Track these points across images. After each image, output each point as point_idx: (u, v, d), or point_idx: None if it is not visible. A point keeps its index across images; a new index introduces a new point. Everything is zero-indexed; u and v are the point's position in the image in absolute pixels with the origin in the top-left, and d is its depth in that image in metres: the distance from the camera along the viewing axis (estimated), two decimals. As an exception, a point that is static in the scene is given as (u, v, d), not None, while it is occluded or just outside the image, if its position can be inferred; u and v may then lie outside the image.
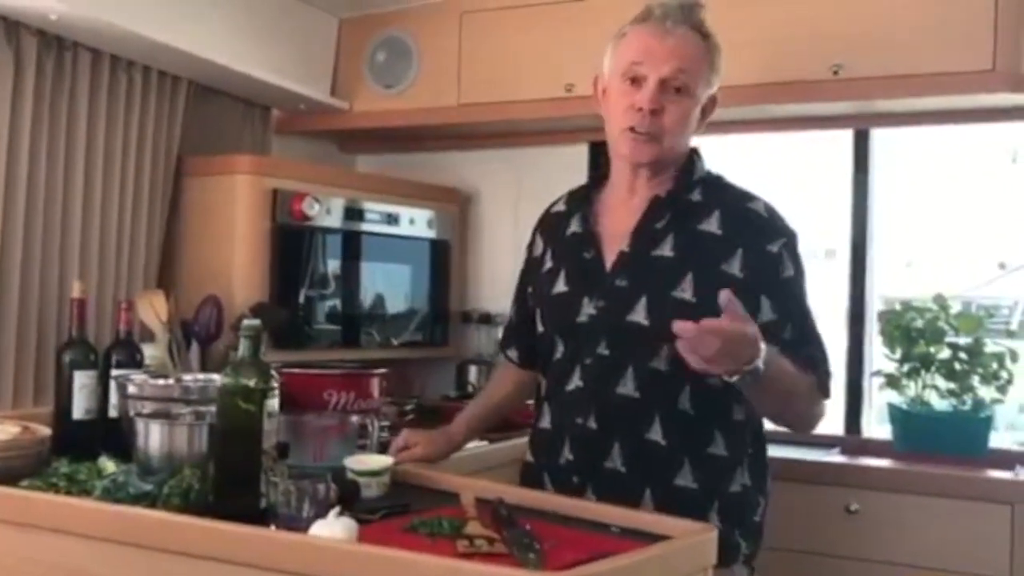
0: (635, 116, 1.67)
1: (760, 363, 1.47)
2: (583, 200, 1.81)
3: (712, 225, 1.68)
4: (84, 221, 2.43)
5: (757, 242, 1.66)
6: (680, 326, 1.42)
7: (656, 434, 1.64)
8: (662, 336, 1.52)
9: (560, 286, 1.76)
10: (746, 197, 1.73)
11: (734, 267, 1.64)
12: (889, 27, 2.39)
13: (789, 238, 1.69)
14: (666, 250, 1.67)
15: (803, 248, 1.73)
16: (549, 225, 1.87)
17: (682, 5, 1.70)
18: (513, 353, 1.98)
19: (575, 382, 1.72)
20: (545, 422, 1.79)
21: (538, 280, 1.84)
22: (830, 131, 2.85)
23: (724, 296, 1.44)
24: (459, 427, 1.98)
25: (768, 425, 1.76)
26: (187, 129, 2.71)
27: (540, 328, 1.81)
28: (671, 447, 1.65)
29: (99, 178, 2.46)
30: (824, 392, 1.67)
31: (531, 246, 1.91)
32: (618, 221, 1.74)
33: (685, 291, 1.63)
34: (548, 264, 1.82)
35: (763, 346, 1.48)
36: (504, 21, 2.84)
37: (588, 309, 1.71)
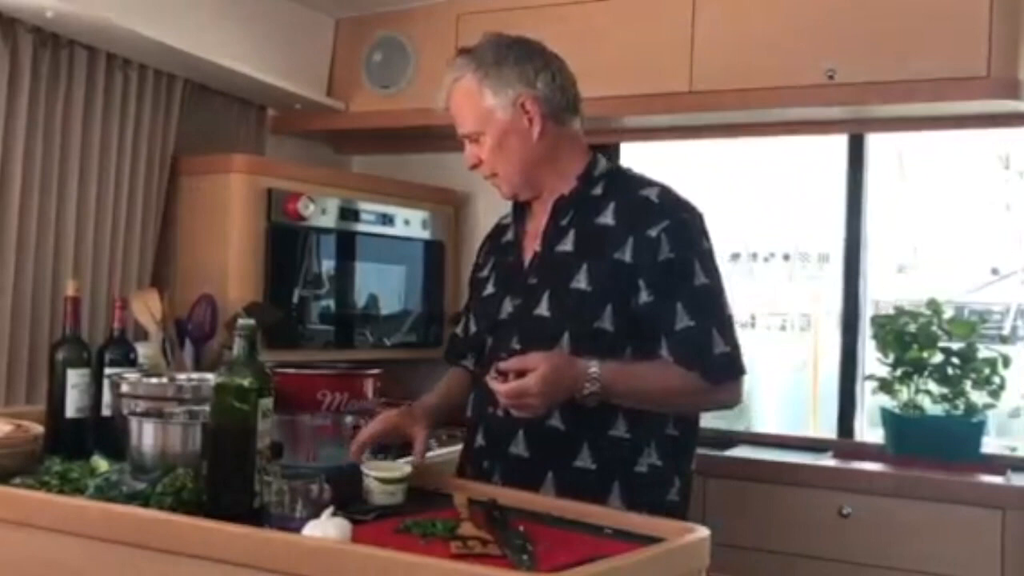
0: (474, 171, 1.85)
1: (595, 388, 1.60)
2: (520, 208, 1.90)
3: (608, 217, 1.75)
4: (79, 219, 2.43)
5: (641, 227, 1.70)
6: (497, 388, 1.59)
7: (556, 420, 1.70)
8: (562, 326, 1.70)
9: (489, 288, 1.90)
10: (641, 185, 1.78)
11: (625, 254, 1.70)
12: (884, 32, 2.40)
13: (674, 220, 1.71)
14: (568, 245, 1.76)
15: (713, 228, 1.75)
16: (493, 236, 1.99)
17: (453, 63, 1.83)
18: (469, 361, 2.00)
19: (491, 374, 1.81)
20: (468, 411, 1.89)
21: (476, 286, 1.96)
22: (825, 136, 2.86)
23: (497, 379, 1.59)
24: (427, 414, 1.93)
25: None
26: (182, 128, 2.71)
27: (473, 328, 1.93)
28: (569, 431, 1.71)
29: (94, 176, 2.46)
30: (716, 379, 1.69)
31: (477, 258, 2.03)
32: (537, 224, 1.84)
33: (580, 282, 1.72)
34: (485, 272, 1.95)
35: (593, 371, 1.60)
36: (500, 23, 2.80)
37: (507, 307, 1.82)
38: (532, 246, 1.82)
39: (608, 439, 1.71)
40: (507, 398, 1.59)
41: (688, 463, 1.80)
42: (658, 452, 1.73)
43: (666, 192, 1.76)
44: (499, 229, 1.98)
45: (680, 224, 1.71)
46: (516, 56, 1.79)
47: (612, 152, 3.09)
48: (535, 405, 1.59)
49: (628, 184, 1.78)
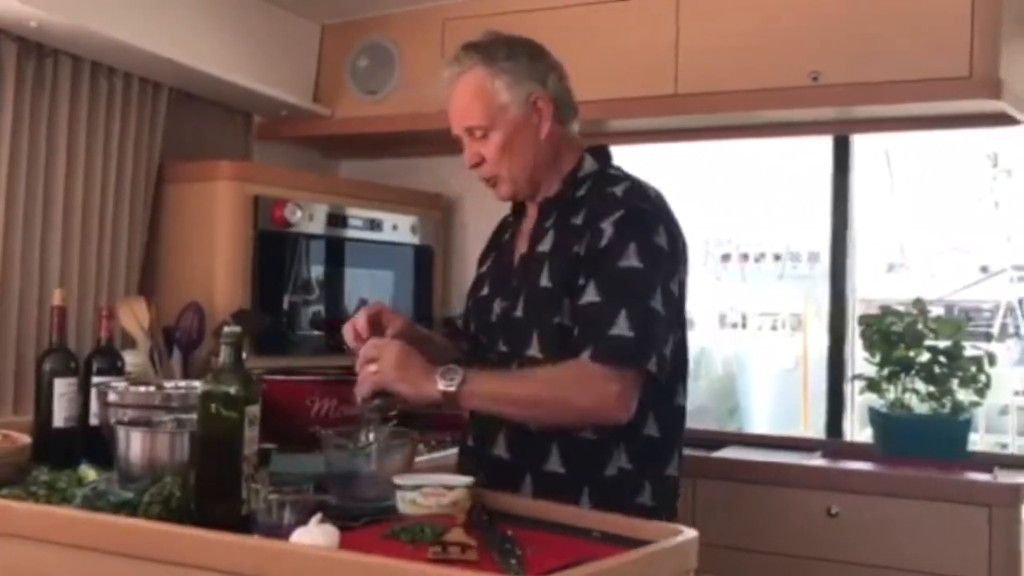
0: (474, 170, 1.80)
1: (449, 386, 1.59)
2: (518, 208, 1.90)
3: (580, 217, 1.73)
4: (65, 228, 2.43)
5: (598, 220, 1.68)
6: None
7: (525, 421, 1.70)
8: (531, 326, 1.70)
9: (484, 290, 1.89)
10: (613, 182, 1.75)
11: (582, 248, 1.68)
12: (867, 34, 2.41)
13: (627, 210, 1.67)
14: (545, 246, 1.76)
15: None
16: (498, 231, 1.99)
17: (457, 53, 1.79)
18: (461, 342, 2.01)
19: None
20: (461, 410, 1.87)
21: (476, 282, 1.95)
22: (810, 137, 2.87)
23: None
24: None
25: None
26: (168, 136, 2.71)
27: (472, 327, 1.91)
28: (541, 433, 1.70)
29: (80, 185, 2.46)
30: (603, 359, 1.59)
31: (485, 248, 2.01)
32: (528, 225, 1.84)
33: (544, 280, 1.72)
34: (484, 268, 1.94)
35: (440, 378, 1.60)
36: (486, 27, 2.83)
37: (496, 309, 1.82)
38: (521, 247, 1.83)
39: (576, 441, 1.69)
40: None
41: (664, 466, 1.75)
42: (628, 455, 1.70)
43: (631, 188, 1.73)
44: (503, 225, 1.97)
45: (631, 211, 1.68)
46: (528, 53, 1.77)
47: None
48: (378, 364, 1.61)
49: (604, 183, 1.76)
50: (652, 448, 1.74)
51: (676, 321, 1.73)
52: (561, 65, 1.81)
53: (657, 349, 1.63)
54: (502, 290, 1.82)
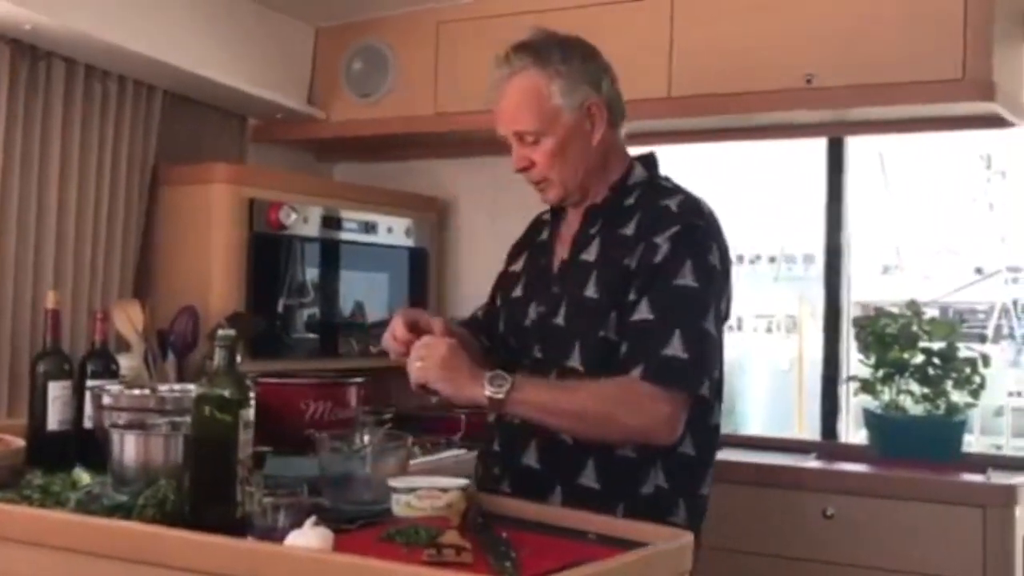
0: (521, 174, 1.76)
1: (496, 392, 1.55)
2: (558, 209, 1.85)
3: (630, 227, 1.69)
4: (59, 230, 2.42)
5: (652, 234, 1.65)
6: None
7: (566, 433, 1.66)
8: (575, 336, 1.66)
9: (518, 291, 1.84)
10: (666, 194, 1.71)
11: (633, 262, 1.65)
12: (860, 37, 2.41)
13: (683, 226, 1.64)
14: (591, 255, 1.72)
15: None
16: (533, 229, 1.94)
17: (508, 53, 1.73)
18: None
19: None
20: (492, 415, 1.83)
21: (506, 280, 1.90)
22: (804, 139, 2.88)
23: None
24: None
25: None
26: (163, 138, 2.71)
27: (501, 327, 1.87)
28: (577, 446, 1.67)
29: (74, 187, 2.45)
30: (656, 380, 1.57)
31: (517, 244, 1.96)
32: (569, 229, 1.80)
33: (590, 290, 1.68)
34: (517, 267, 1.89)
35: (488, 383, 1.56)
36: (480, 31, 2.85)
37: (531, 314, 1.77)
38: (561, 252, 1.78)
39: (614, 457, 1.66)
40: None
41: (699, 485, 1.73)
42: (664, 473, 1.67)
43: (686, 203, 1.69)
44: (538, 224, 1.92)
45: (688, 228, 1.64)
46: (581, 54, 1.73)
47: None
48: (423, 361, 1.60)
49: (656, 194, 1.72)
50: (688, 467, 1.70)
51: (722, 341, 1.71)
52: (611, 66, 1.77)
53: (708, 372, 1.62)
54: (539, 294, 1.77)
